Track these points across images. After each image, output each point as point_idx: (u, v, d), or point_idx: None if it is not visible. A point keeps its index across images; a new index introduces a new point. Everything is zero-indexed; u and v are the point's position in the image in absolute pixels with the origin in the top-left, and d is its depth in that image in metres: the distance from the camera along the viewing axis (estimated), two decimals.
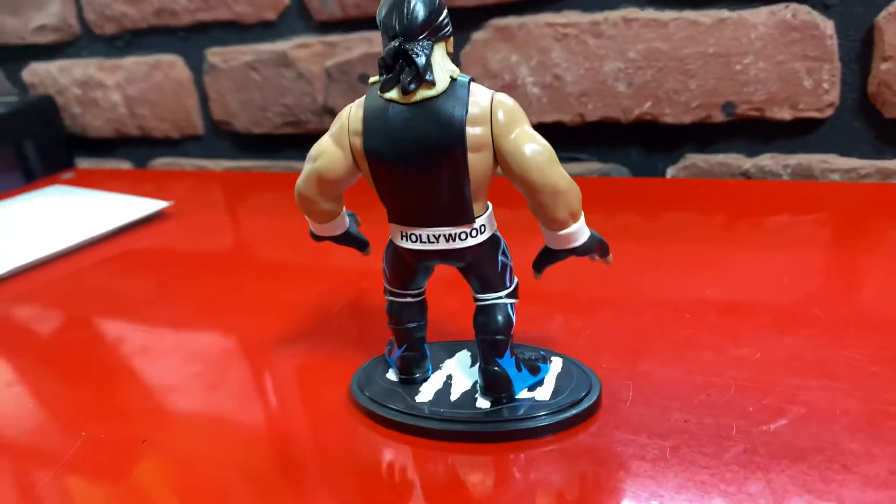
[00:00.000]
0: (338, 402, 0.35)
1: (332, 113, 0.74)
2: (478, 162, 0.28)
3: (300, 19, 0.73)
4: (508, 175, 0.29)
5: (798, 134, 0.57)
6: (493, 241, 0.31)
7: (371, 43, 0.69)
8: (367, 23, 0.69)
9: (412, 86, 0.28)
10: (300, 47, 0.73)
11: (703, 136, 0.60)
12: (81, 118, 0.91)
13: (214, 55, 0.79)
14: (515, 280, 0.32)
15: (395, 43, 0.28)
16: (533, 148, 0.28)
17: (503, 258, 0.31)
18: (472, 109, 0.28)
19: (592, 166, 0.65)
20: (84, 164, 0.94)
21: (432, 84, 0.28)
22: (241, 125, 0.80)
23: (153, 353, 0.43)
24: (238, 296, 0.50)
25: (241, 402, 0.36)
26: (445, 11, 0.29)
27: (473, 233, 0.30)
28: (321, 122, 0.75)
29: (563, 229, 0.30)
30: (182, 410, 0.37)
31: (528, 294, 0.43)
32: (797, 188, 0.57)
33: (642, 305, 0.41)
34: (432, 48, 0.28)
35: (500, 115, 0.28)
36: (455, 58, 0.65)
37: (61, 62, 0.89)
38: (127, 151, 0.91)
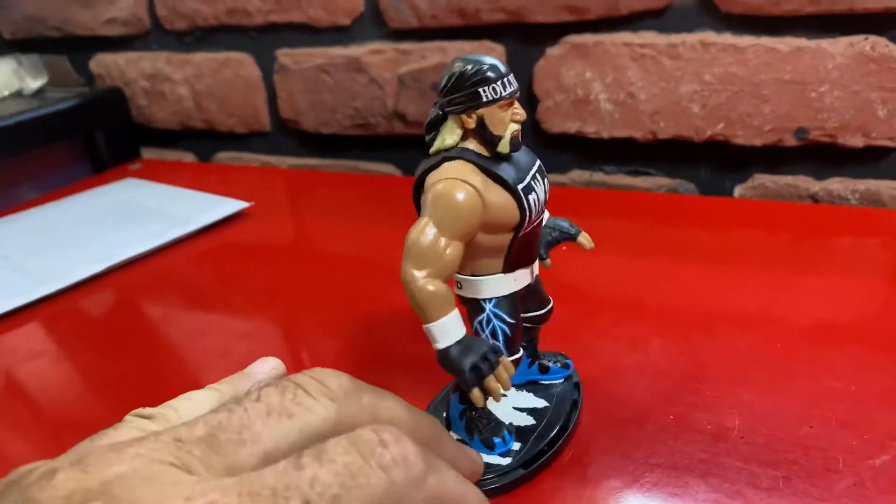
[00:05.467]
0: None
1: (402, 118, 0.76)
2: None
3: (374, 26, 0.75)
4: None
5: (868, 161, 0.59)
6: (474, 304, 0.33)
7: (445, 53, 0.71)
8: (441, 33, 0.71)
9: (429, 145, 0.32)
10: (373, 53, 0.75)
11: (774, 158, 0.62)
12: (147, 110, 0.93)
13: (285, 56, 0.81)
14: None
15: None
16: (408, 235, 0.30)
17: (480, 329, 0.33)
18: (427, 181, 0.31)
19: (661, 181, 0.67)
20: (148, 154, 0.97)
21: (430, 146, 0.32)
22: (309, 124, 0.83)
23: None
24: (329, 291, 0.53)
25: None
26: (462, 91, 0.30)
27: (457, 284, 0.33)
28: (390, 126, 0.77)
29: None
30: None
31: (627, 313, 0.46)
32: (865, 214, 0.59)
33: (730, 329, 0.43)
34: (444, 117, 0.31)
35: (426, 197, 0.30)
36: (525, 75, 0.67)
37: (129, 55, 0.92)
38: (191, 143, 0.94)
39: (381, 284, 0.53)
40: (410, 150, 0.79)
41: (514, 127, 0.31)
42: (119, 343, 0.50)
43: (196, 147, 0.94)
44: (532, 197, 0.31)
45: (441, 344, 0.30)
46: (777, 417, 0.35)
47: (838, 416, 0.35)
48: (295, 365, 0.44)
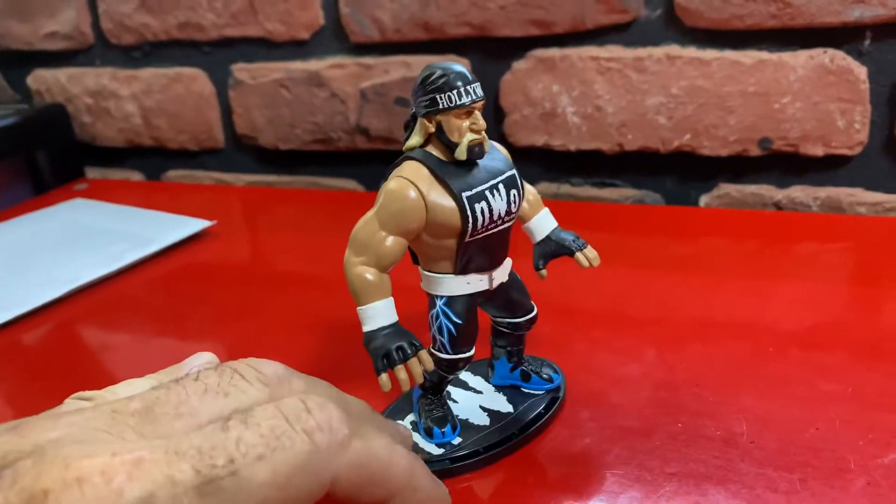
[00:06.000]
0: None
1: (365, 132, 0.75)
2: None
3: (334, 40, 0.74)
4: None
5: (828, 169, 0.61)
6: (430, 298, 0.34)
7: (410, 67, 0.71)
8: (405, 47, 0.71)
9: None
10: (334, 67, 0.74)
11: (738, 167, 0.63)
12: (91, 127, 0.90)
13: (241, 70, 0.79)
14: (442, 357, 0.34)
15: None
16: (355, 226, 0.32)
17: (430, 322, 0.34)
18: (388, 177, 0.33)
19: (627, 192, 0.68)
20: (92, 173, 0.93)
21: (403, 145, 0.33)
22: (267, 140, 0.81)
23: None
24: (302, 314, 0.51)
25: None
26: (424, 96, 0.31)
27: (421, 277, 0.35)
28: (352, 141, 0.76)
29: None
30: None
31: (614, 325, 0.46)
32: (826, 220, 0.61)
33: (720, 337, 0.44)
34: (414, 119, 0.33)
35: (380, 190, 0.32)
36: (492, 89, 0.67)
37: (71, 70, 0.88)
38: (139, 162, 0.91)
39: (348, 303, 0.52)
40: (373, 166, 0.78)
41: (472, 136, 0.32)
42: (79, 376, 0.48)
43: (144, 166, 0.91)
44: (480, 206, 0.32)
45: (366, 327, 0.31)
46: (783, 421, 0.36)
47: (841, 418, 0.36)
48: None
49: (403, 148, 0.34)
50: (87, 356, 0.50)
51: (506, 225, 0.34)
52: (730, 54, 0.60)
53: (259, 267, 0.63)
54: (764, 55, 0.59)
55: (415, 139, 0.33)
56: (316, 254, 0.62)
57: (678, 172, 0.66)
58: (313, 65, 0.75)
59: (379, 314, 0.31)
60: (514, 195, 0.33)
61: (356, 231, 0.32)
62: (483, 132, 0.32)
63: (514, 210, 0.33)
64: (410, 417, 0.37)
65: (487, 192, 0.32)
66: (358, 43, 0.73)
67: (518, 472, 0.34)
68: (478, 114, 0.32)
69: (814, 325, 0.45)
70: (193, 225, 0.66)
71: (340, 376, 0.43)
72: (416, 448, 0.35)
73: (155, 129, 0.86)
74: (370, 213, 0.32)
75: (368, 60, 0.73)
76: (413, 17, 0.68)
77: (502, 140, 0.70)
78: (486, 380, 0.39)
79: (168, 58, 0.83)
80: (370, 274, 0.31)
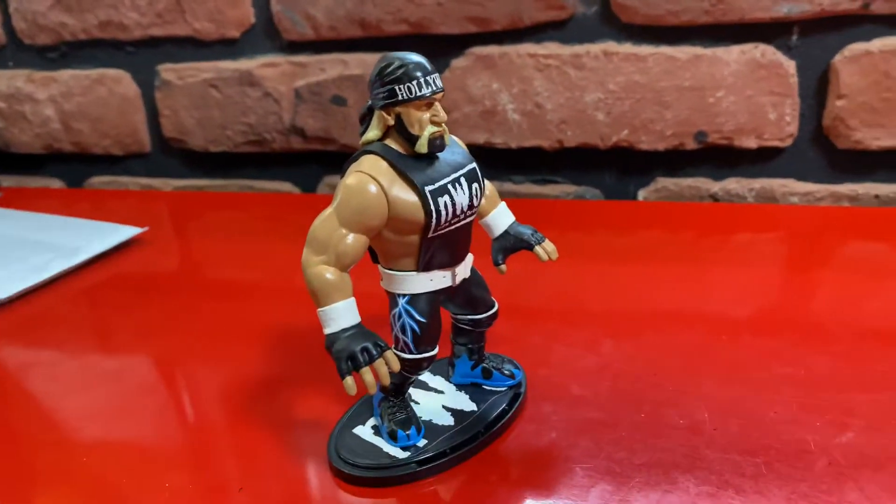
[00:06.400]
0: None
1: (301, 133, 0.73)
2: None
3: (266, 38, 0.72)
4: None
5: (761, 160, 0.62)
6: (391, 297, 0.33)
7: (346, 65, 0.69)
8: (341, 45, 0.69)
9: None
10: (267, 66, 0.72)
11: (675, 161, 0.65)
12: (5, 133, 0.85)
13: (168, 71, 0.76)
14: (405, 358, 0.33)
15: None
16: (313, 224, 0.31)
17: (393, 322, 0.33)
18: (346, 172, 0.32)
19: (567, 189, 0.68)
20: (7, 181, 0.88)
21: (360, 138, 0.33)
22: (197, 143, 0.78)
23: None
24: (236, 323, 0.49)
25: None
26: (381, 88, 0.30)
27: (380, 275, 0.34)
28: (287, 142, 0.74)
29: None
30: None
31: (566, 318, 0.46)
32: (760, 210, 0.62)
33: (672, 326, 0.44)
34: (371, 111, 0.32)
35: (337, 187, 0.31)
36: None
37: None
38: (59, 168, 0.86)
39: (287, 308, 0.51)
40: (309, 166, 0.76)
41: (433, 128, 0.31)
42: (1, 400, 0.44)
43: (65, 172, 0.86)
44: (444, 200, 0.31)
45: (328, 329, 0.30)
46: (742, 406, 0.36)
47: (797, 400, 0.36)
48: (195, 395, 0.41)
49: (360, 142, 0.32)
50: (7, 377, 0.46)
51: (468, 219, 0.33)
52: (665, 50, 0.61)
53: (192, 275, 0.60)
54: (698, 50, 0.60)
55: (373, 132, 0.32)
56: (252, 260, 0.60)
57: (617, 168, 0.67)
58: (244, 64, 0.73)
59: (341, 315, 0.30)
60: (476, 189, 0.33)
61: (314, 229, 0.31)
62: (444, 124, 0.31)
63: (475, 204, 0.33)
64: (371, 422, 0.36)
65: (450, 186, 0.31)
66: (291, 41, 0.71)
67: (486, 470, 0.33)
68: (438, 105, 0.31)
69: (759, 312, 0.46)
70: (123, 232, 0.63)
71: (279, 385, 0.42)
72: (380, 453, 0.34)
73: (76, 133, 0.82)
74: (328, 211, 0.31)
75: (302, 59, 0.71)
76: (349, 14, 0.67)
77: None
78: (447, 379, 0.39)
79: (89, 59, 0.79)
80: (330, 273, 0.30)
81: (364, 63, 0.68)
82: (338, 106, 0.71)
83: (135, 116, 0.79)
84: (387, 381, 0.30)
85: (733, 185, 0.64)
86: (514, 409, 0.36)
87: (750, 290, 0.48)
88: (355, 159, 0.32)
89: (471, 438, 0.34)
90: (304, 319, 0.48)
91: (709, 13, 0.58)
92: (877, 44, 0.56)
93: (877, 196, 0.61)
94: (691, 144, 0.63)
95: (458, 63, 0.66)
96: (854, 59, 0.57)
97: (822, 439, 0.34)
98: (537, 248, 0.36)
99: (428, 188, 0.31)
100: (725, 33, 0.59)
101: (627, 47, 0.62)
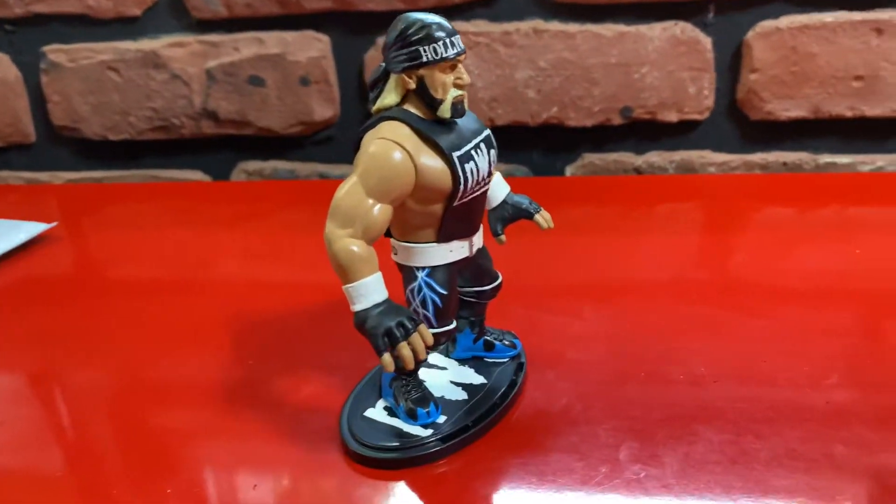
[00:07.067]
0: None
1: (213, 116, 0.69)
2: None
3: (171, 16, 0.67)
4: None
5: (681, 133, 0.66)
6: (407, 271, 0.32)
7: (263, 44, 0.66)
8: (257, 22, 0.66)
9: (369, 103, 0.31)
10: (174, 46, 0.67)
11: (600, 137, 0.67)
12: None
13: (57, 52, 0.69)
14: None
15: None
16: (336, 193, 0.29)
17: (411, 297, 0.32)
18: (363, 140, 0.30)
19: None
20: None
21: (371, 106, 0.31)
22: (93, 130, 0.72)
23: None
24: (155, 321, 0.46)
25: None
26: (403, 49, 0.29)
27: (393, 250, 0.33)
28: (198, 127, 0.70)
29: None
30: None
31: (544, 290, 0.46)
32: (681, 180, 0.66)
33: (634, 293, 0.46)
34: (386, 75, 0.31)
35: (358, 155, 0.30)
36: (355, 66, 0.65)
37: None
38: None
39: (201, 303, 0.48)
40: (222, 152, 0.72)
41: (457, 92, 0.30)
42: None
43: None
44: (469, 166, 0.30)
45: (358, 306, 0.29)
46: (733, 359, 0.38)
47: (780, 349, 0.39)
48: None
49: (374, 108, 0.31)
50: None
51: (486, 187, 0.33)
52: (592, 27, 0.62)
53: (92, 276, 0.55)
54: (623, 28, 0.62)
55: (390, 97, 0.30)
56: (161, 254, 0.56)
57: (545, 145, 0.68)
58: (148, 44, 0.68)
59: (371, 291, 0.29)
60: (494, 155, 0.32)
61: (338, 200, 0.29)
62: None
63: (492, 171, 0.32)
64: (382, 403, 0.35)
65: (473, 152, 0.31)
66: (202, 19, 0.67)
67: (511, 440, 0.33)
68: (461, 68, 0.30)
69: (716, 274, 0.48)
70: (30, 229, 0.57)
71: (190, 383, 0.39)
72: (401, 433, 0.33)
73: None
74: (352, 180, 0.29)
75: (214, 38, 0.67)
76: None
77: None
78: (447, 355, 0.38)
79: None
80: (356, 246, 0.29)
81: (283, 42, 0.65)
82: (255, 87, 0.67)
83: (16, 103, 0.72)
84: (423, 355, 0.29)
85: (655, 157, 0.67)
86: (521, 378, 0.36)
87: (676, 256, 0.51)
88: (372, 126, 0.30)
89: (489, 410, 0.34)
90: (223, 312, 0.46)
91: None
92: (784, 21, 0.60)
93: (784, 163, 0.65)
94: (617, 120, 0.65)
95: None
96: (765, 36, 0.61)
97: (813, 382, 0.36)
98: (537, 216, 0.36)
99: (455, 154, 0.30)
100: (648, 11, 0.62)
101: (556, 25, 0.63)
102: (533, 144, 0.68)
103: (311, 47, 0.65)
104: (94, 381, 0.40)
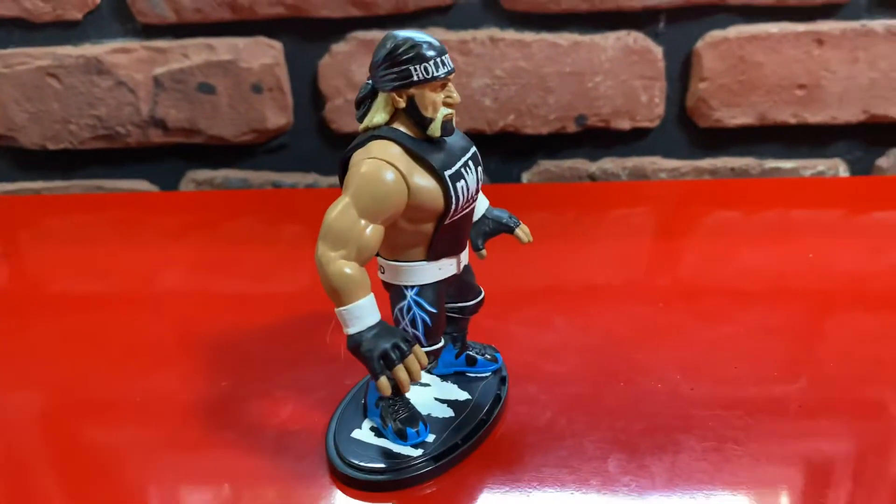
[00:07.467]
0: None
1: (161, 124, 0.67)
2: None
3: (115, 21, 0.65)
4: None
5: (634, 140, 0.67)
6: (396, 290, 0.32)
7: (214, 50, 0.64)
8: (208, 28, 0.64)
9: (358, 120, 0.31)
10: (118, 52, 0.65)
11: (556, 144, 0.67)
12: None
13: None
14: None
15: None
16: (327, 214, 0.29)
17: (400, 316, 0.32)
18: (352, 159, 0.30)
19: None
20: None
21: (360, 123, 0.31)
22: (31, 140, 0.69)
23: None
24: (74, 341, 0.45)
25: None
26: (393, 68, 0.29)
27: (380, 268, 0.32)
28: (144, 135, 0.68)
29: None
30: None
31: (510, 299, 0.46)
32: (634, 186, 0.67)
33: (605, 300, 0.47)
34: (374, 93, 0.30)
35: (348, 176, 0.29)
36: (309, 73, 0.64)
37: None
38: None
39: (149, 318, 0.47)
40: (170, 161, 0.70)
41: (447, 110, 0.30)
42: None
43: None
44: (460, 185, 0.30)
45: (352, 329, 0.29)
46: (705, 365, 0.39)
47: (751, 354, 0.40)
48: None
49: (362, 127, 0.31)
50: None
51: (475, 203, 0.32)
52: (548, 36, 0.63)
53: (31, 291, 0.53)
54: (577, 37, 0.63)
55: (379, 116, 0.30)
56: (105, 268, 0.54)
57: (502, 153, 0.68)
58: (90, 49, 0.65)
59: (364, 313, 0.29)
60: (480, 172, 0.32)
61: (330, 222, 0.28)
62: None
63: (479, 188, 0.32)
64: (367, 424, 0.34)
65: (463, 170, 0.31)
66: (148, 24, 0.64)
67: (501, 456, 0.33)
68: (451, 86, 0.30)
69: (674, 278, 0.49)
70: None
71: (124, 401, 0.38)
72: (391, 454, 0.32)
73: None
74: (343, 201, 0.29)
75: (161, 44, 0.65)
76: None
77: (323, 127, 0.67)
78: (428, 371, 0.38)
79: None
80: (350, 269, 0.28)
81: (235, 48, 0.64)
82: (205, 94, 0.66)
83: None
84: (419, 377, 0.29)
85: (609, 164, 0.68)
86: (504, 393, 0.36)
87: (633, 260, 0.52)
88: (361, 145, 0.30)
89: (476, 426, 0.34)
90: (176, 328, 0.45)
91: (587, 1, 0.61)
92: (732, 31, 0.62)
93: (732, 169, 0.68)
94: (572, 128, 0.66)
95: (338, 48, 0.64)
96: (714, 45, 0.63)
97: (783, 386, 0.37)
98: (517, 230, 0.37)
99: (447, 172, 0.30)
100: (602, 21, 0.63)
101: (512, 33, 0.63)
102: (491, 152, 0.68)
103: (264, 54, 0.64)
104: (29, 401, 0.38)
